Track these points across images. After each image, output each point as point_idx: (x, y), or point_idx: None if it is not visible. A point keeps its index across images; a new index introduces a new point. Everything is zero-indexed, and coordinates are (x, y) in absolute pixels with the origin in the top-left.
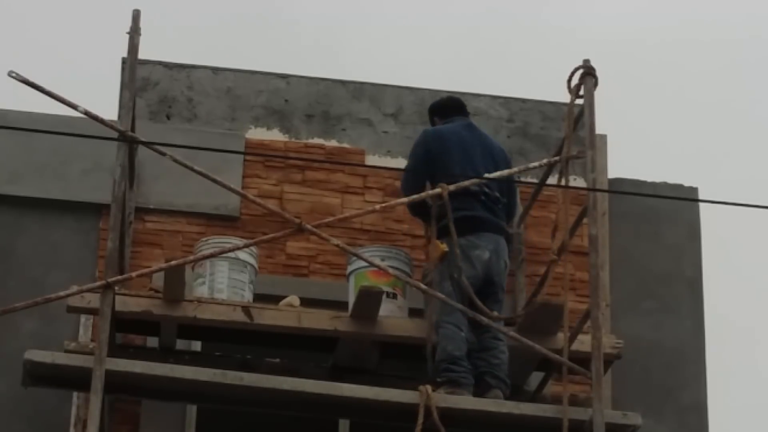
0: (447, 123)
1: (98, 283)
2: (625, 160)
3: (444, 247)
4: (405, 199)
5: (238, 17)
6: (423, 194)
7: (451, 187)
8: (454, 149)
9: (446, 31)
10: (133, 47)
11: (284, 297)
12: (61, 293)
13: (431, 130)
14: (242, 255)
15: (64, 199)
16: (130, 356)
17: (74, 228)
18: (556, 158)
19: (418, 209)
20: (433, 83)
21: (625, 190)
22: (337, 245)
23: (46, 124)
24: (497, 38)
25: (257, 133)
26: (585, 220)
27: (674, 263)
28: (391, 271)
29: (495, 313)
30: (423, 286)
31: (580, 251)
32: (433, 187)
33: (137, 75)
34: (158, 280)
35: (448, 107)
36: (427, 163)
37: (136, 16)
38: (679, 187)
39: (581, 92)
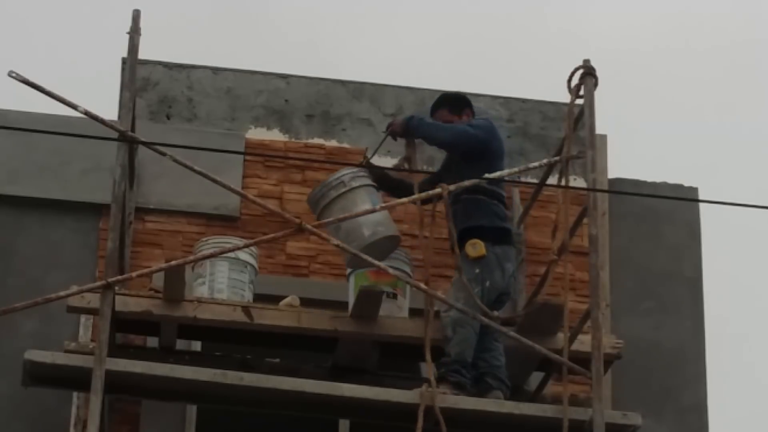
0: (476, 117)
1: (98, 283)
2: (625, 160)
3: (484, 250)
4: (405, 199)
5: (237, 16)
6: (423, 194)
7: (452, 187)
8: (502, 151)
9: (446, 31)
10: (133, 47)
11: (284, 297)
12: (61, 293)
13: (496, 126)
14: (242, 255)
15: (64, 199)
16: (130, 356)
17: (74, 228)
18: (556, 158)
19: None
20: (433, 83)
21: (625, 190)
22: (337, 245)
23: (46, 124)
24: (497, 38)
25: (257, 133)
26: (585, 220)
27: (674, 263)
28: (391, 271)
29: (496, 313)
30: (423, 286)
31: (580, 251)
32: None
33: (137, 75)
34: (158, 280)
35: (463, 101)
36: (483, 143)
37: (136, 16)
38: (679, 187)
39: (581, 92)
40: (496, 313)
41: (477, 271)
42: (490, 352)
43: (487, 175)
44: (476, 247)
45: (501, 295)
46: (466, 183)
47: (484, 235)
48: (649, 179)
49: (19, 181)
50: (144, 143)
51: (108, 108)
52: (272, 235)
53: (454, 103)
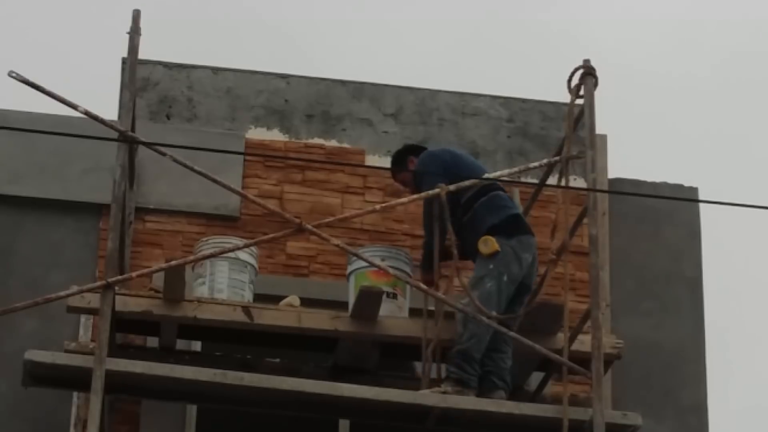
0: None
1: (98, 283)
2: (625, 160)
3: (497, 245)
4: (405, 200)
5: (237, 17)
6: (423, 194)
7: (451, 187)
8: (463, 156)
9: (446, 31)
10: (133, 47)
11: (284, 297)
12: (61, 293)
13: (435, 151)
14: (242, 255)
15: (64, 199)
16: (130, 356)
17: (74, 228)
18: (556, 158)
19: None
20: (433, 83)
21: (625, 190)
22: (337, 245)
23: (46, 124)
24: (497, 38)
25: (257, 133)
26: (585, 220)
27: (674, 263)
28: (391, 271)
29: (494, 313)
30: (423, 286)
31: (580, 251)
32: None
33: (137, 75)
34: (158, 280)
35: (398, 158)
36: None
37: (136, 16)
38: (679, 187)
39: (581, 92)
40: (494, 312)
41: (491, 266)
42: (499, 354)
43: (486, 175)
44: (488, 244)
45: (519, 288)
46: (466, 183)
47: (499, 232)
48: (649, 179)
49: (19, 181)
50: (144, 143)
51: (108, 108)
52: (272, 235)
53: (396, 164)
